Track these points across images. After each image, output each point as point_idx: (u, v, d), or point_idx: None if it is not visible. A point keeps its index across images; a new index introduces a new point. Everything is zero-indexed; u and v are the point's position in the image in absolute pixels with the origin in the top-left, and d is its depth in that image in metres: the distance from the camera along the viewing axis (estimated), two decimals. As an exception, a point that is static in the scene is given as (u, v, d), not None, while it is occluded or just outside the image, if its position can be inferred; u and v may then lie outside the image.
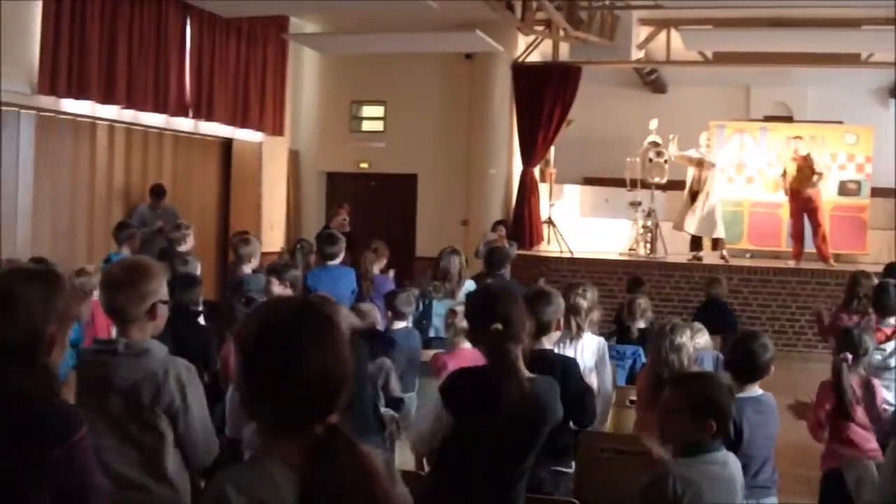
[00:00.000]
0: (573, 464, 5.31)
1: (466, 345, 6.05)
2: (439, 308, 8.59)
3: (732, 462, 3.90)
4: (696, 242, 15.21)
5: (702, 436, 3.77)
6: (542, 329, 5.00)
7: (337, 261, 9.11)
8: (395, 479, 2.51)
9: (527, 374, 4.03)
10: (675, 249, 15.49)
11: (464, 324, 5.71)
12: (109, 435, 3.70)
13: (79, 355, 4.16)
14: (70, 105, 11.63)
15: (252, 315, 2.53)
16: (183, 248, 10.08)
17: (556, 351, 5.34)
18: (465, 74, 16.69)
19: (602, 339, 6.47)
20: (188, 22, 13.39)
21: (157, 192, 12.63)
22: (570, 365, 5.21)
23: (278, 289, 7.52)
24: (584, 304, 6.30)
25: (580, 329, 6.22)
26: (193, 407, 3.82)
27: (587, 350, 6.18)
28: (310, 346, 2.35)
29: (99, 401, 3.73)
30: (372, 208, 16.80)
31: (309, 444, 2.32)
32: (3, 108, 10.98)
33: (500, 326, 3.96)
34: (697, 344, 5.88)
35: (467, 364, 4.48)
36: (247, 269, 9.21)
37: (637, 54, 15.72)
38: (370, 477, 2.34)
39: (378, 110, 17.58)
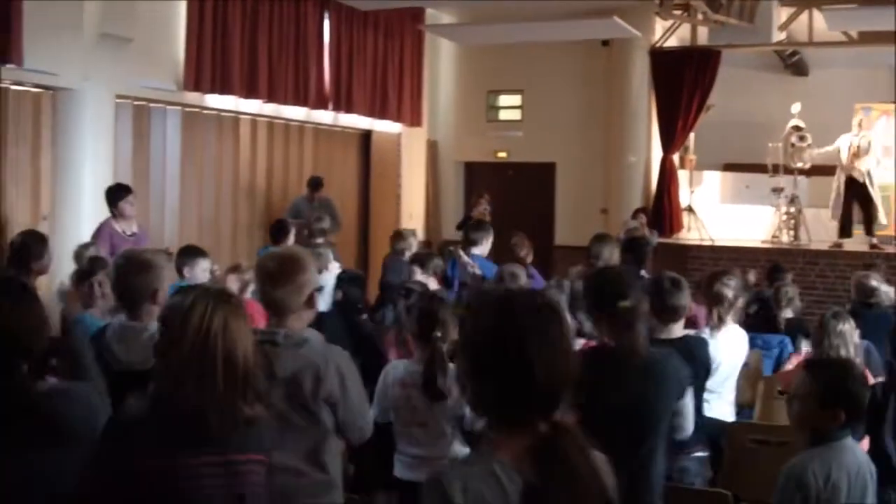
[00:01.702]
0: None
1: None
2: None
3: (860, 451, 3.78)
4: (844, 230, 14.69)
5: (829, 423, 3.63)
6: (669, 315, 4.88)
7: (479, 248, 8.88)
8: None
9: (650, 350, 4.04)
10: (818, 236, 15.00)
11: None
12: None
13: None
14: (214, 100, 11.86)
15: (481, 309, 2.44)
16: (319, 239, 10.28)
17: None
18: (602, 61, 16.42)
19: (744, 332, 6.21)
20: (326, 16, 13.52)
21: (314, 183, 12.76)
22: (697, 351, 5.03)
23: (422, 277, 7.66)
24: (728, 293, 5.93)
25: (722, 320, 5.91)
26: (352, 394, 3.86)
27: (732, 342, 5.88)
28: (543, 343, 2.29)
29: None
30: (510, 198, 16.65)
31: (534, 443, 2.23)
32: (151, 104, 11.30)
33: (627, 303, 3.96)
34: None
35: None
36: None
37: (778, 36, 15.23)
38: (598, 480, 2.25)
39: (515, 99, 17.44)
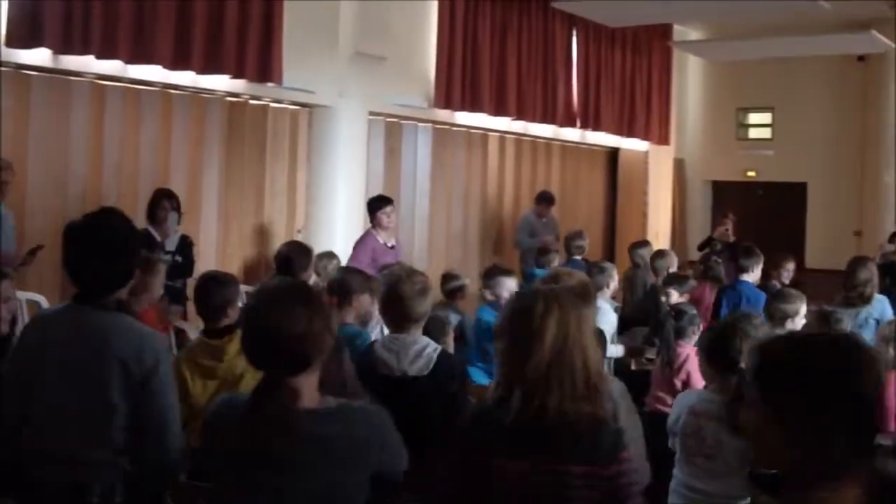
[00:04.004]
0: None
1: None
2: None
3: None
4: None
5: None
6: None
7: (749, 275, 8.06)
8: None
9: None
10: None
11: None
12: None
13: None
14: (463, 117, 11.66)
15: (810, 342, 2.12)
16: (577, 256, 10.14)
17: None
18: (857, 77, 15.35)
19: None
20: (574, 34, 13.14)
21: (546, 198, 12.19)
22: None
23: (677, 298, 7.40)
24: None
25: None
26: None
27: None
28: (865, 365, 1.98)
29: None
30: (759, 218, 15.76)
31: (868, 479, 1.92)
32: (403, 121, 11.22)
33: None
34: None
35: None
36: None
37: None
38: None
39: (765, 117, 16.54)
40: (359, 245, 8.56)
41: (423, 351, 4.27)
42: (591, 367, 2.74)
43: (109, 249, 3.35)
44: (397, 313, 4.37)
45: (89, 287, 3.35)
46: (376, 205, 8.82)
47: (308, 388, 2.79)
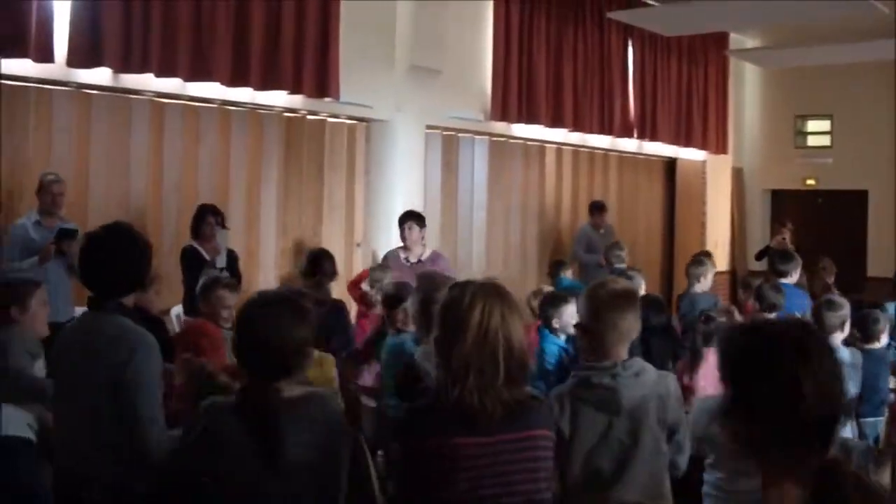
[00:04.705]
0: None
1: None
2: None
3: None
4: None
5: None
6: None
7: (789, 279, 8.17)
8: None
9: None
10: None
11: None
12: None
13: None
14: (520, 130, 11.52)
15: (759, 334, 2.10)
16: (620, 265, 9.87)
17: None
18: (919, 82, 14.99)
19: None
20: (630, 43, 12.95)
21: (596, 207, 12.00)
22: None
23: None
24: None
25: None
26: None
27: None
28: (810, 368, 1.96)
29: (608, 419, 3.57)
30: (818, 227, 15.41)
31: (807, 483, 1.89)
32: (460, 134, 11.12)
33: None
34: None
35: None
36: (697, 288, 8.78)
37: None
38: None
39: (824, 124, 16.13)
40: (384, 261, 8.65)
41: None
42: (515, 356, 2.87)
43: (111, 257, 3.58)
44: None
45: (96, 292, 3.60)
46: (400, 220, 8.83)
47: (288, 392, 3.06)
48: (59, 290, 6.59)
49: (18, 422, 4.24)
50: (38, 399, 4.28)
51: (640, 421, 3.50)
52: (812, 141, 16.32)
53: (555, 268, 10.41)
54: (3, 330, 4.72)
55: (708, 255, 10.64)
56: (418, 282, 4.82)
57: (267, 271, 9.08)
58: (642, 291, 8.08)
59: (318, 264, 7.29)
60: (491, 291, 2.92)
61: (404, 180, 9.85)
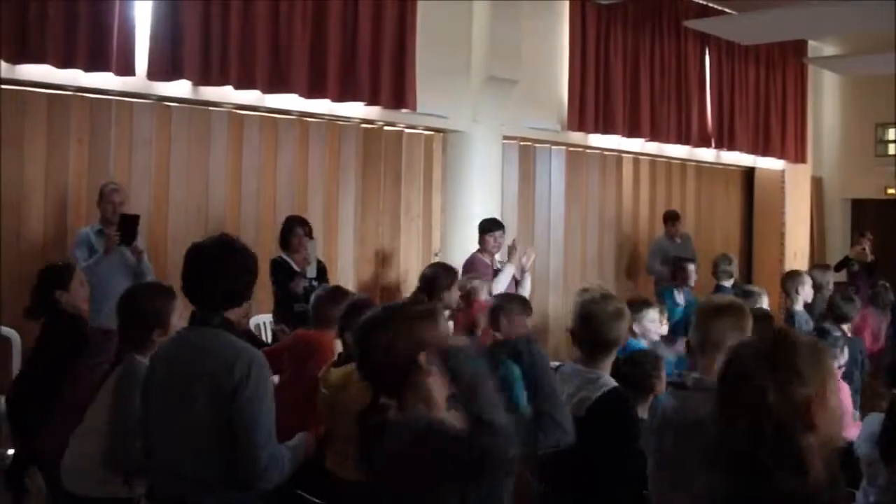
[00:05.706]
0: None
1: None
2: None
3: None
4: None
5: None
6: None
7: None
8: None
9: None
10: None
11: None
12: None
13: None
14: (597, 140, 11.28)
15: None
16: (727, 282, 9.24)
17: None
18: None
19: None
20: (707, 52, 12.62)
21: (670, 216, 11.55)
22: None
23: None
24: None
25: None
26: None
27: None
28: None
29: None
30: (901, 236, 14.93)
31: None
32: (537, 145, 10.93)
33: None
34: None
35: None
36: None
37: None
38: None
39: (906, 132, 15.67)
40: (467, 266, 8.21)
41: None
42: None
43: (215, 271, 3.40)
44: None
45: (201, 306, 3.44)
46: (486, 227, 8.40)
47: None
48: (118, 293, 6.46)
49: None
50: None
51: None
52: (893, 150, 15.78)
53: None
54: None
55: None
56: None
57: (345, 280, 8.96)
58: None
59: (434, 280, 6.46)
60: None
61: (481, 191, 9.67)
